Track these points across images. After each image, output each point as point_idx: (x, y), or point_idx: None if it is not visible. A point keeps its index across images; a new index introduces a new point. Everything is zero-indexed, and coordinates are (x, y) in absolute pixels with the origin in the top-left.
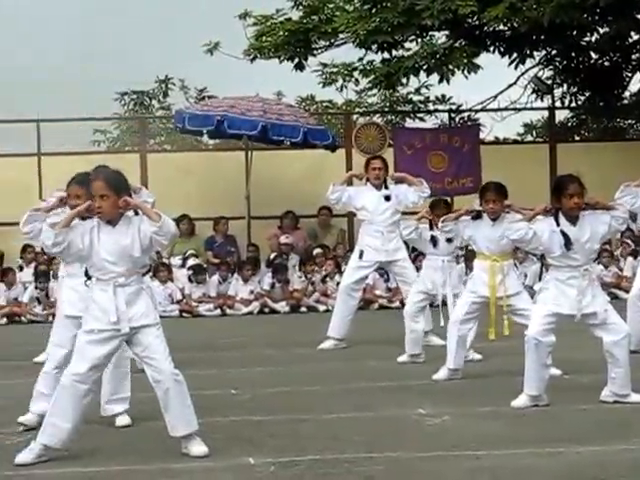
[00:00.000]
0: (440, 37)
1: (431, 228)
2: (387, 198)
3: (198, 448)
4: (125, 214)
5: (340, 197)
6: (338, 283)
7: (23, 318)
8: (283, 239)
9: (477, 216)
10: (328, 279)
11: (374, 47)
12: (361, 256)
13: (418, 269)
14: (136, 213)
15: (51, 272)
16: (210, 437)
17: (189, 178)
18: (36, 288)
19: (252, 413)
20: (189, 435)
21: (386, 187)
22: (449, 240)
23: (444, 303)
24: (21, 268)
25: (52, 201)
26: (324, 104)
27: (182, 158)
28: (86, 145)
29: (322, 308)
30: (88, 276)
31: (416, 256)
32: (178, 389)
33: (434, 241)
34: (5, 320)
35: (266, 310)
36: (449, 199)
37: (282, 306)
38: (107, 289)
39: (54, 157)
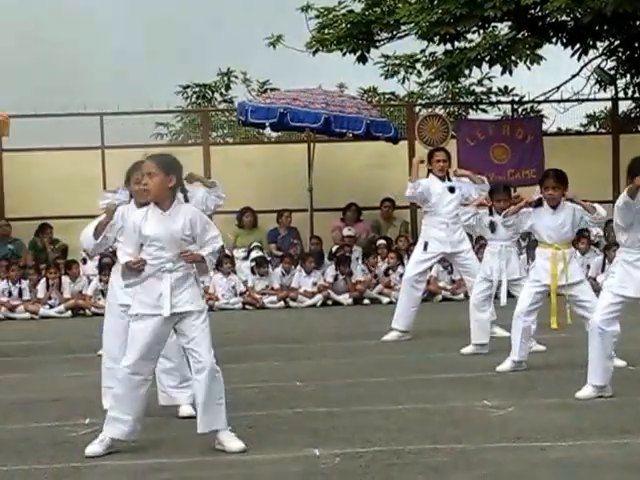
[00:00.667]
0: (503, 28)
1: (490, 214)
2: (451, 190)
3: (235, 444)
4: (177, 199)
5: (415, 192)
6: (401, 275)
7: (87, 311)
8: (346, 231)
9: (538, 204)
10: (391, 271)
11: (436, 39)
12: (426, 248)
13: (480, 261)
14: (186, 200)
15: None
16: (276, 429)
17: (252, 171)
18: (100, 281)
19: (317, 405)
20: (219, 431)
21: (449, 179)
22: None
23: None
24: (85, 261)
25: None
26: (386, 96)
27: (245, 151)
28: (148, 138)
29: (385, 300)
30: None
31: (478, 248)
32: (213, 384)
33: (492, 226)
34: (70, 313)
35: (329, 302)
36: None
37: (345, 298)
38: (154, 274)
39: (117, 150)
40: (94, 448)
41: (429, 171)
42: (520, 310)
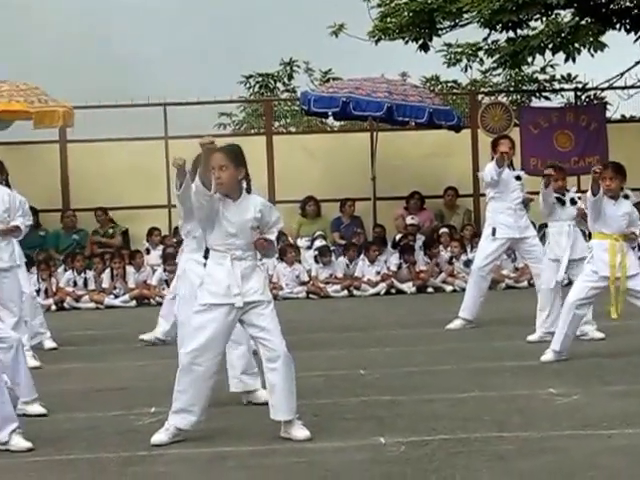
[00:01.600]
0: (566, 15)
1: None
2: (518, 178)
3: (301, 432)
4: (243, 189)
5: (499, 177)
6: (465, 263)
7: (152, 300)
8: (409, 220)
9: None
10: (454, 259)
11: (499, 26)
12: (494, 233)
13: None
14: (248, 192)
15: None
16: (341, 417)
17: (315, 160)
18: (164, 271)
19: (382, 393)
20: (290, 420)
21: (513, 167)
22: (573, 202)
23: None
24: (148, 251)
25: None
26: (449, 84)
27: (307, 140)
28: (211, 128)
29: (449, 289)
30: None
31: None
32: (288, 372)
33: (562, 202)
34: (134, 302)
35: (392, 291)
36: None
37: (408, 287)
38: (224, 262)
39: (181, 140)
40: (160, 437)
41: (494, 159)
42: (572, 301)
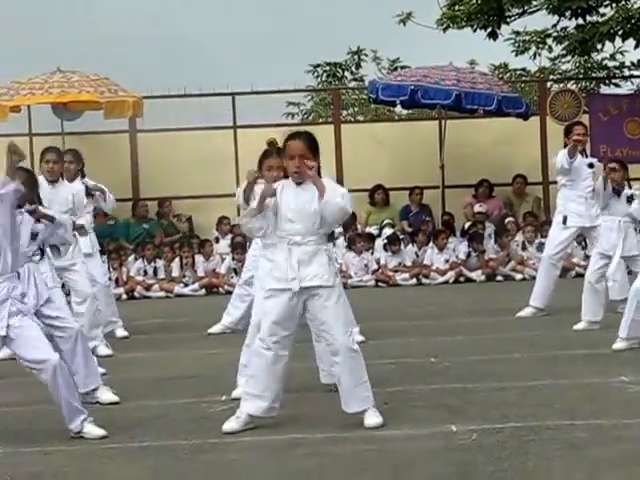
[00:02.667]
0: (636, 1)
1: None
2: (590, 165)
3: (373, 419)
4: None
5: (572, 165)
6: (537, 247)
7: (221, 289)
8: (477, 208)
9: None
10: (527, 244)
11: (568, 13)
12: (565, 222)
13: None
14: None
15: (247, 243)
16: (412, 405)
17: (383, 148)
18: (233, 259)
19: (452, 381)
20: (365, 410)
21: (586, 154)
22: (629, 200)
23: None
24: (217, 240)
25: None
26: (517, 72)
27: (376, 129)
28: (280, 117)
29: (518, 277)
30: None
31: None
32: (352, 364)
33: (617, 192)
34: (204, 291)
35: (461, 279)
36: None
37: (477, 275)
38: (283, 247)
39: (249, 130)
40: (231, 424)
41: (566, 145)
42: (638, 287)
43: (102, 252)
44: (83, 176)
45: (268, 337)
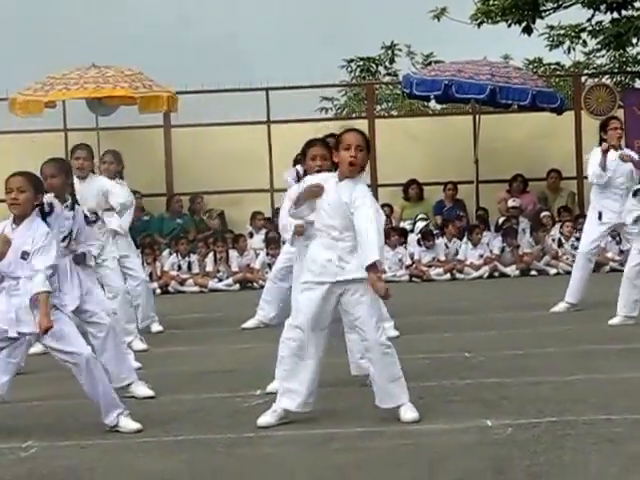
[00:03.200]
0: None
1: None
2: (622, 158)
3: (409, 414)
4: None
5: (603, 180)
6: (573, 245)
7: (255, 284)
8: (511, 203)
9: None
10: (563, 240)
11: (603, 7)
12: (600, 217)
13: None
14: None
15: (281, 239)
16: (446, 399)
17: (417, 143)
18: (267, 254)
19: (487, 376)
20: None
21: (621, 149)
22: None
23: None
24: (251, 235)
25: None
26: (552, 67)
27: (409, 123)
28: (313, 112)
29: (552, 271)
30: None
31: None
32: (385, 361)
33: None
34: (238, 286)
35: (495, 274)
36: None
37: (512, 270)
38: (321, 241)
39: (283, 125)
40: (266, 419)
41: (601, 140)
42: None
43: (136, 247)
44: (121, 178)
45: (303, 331)
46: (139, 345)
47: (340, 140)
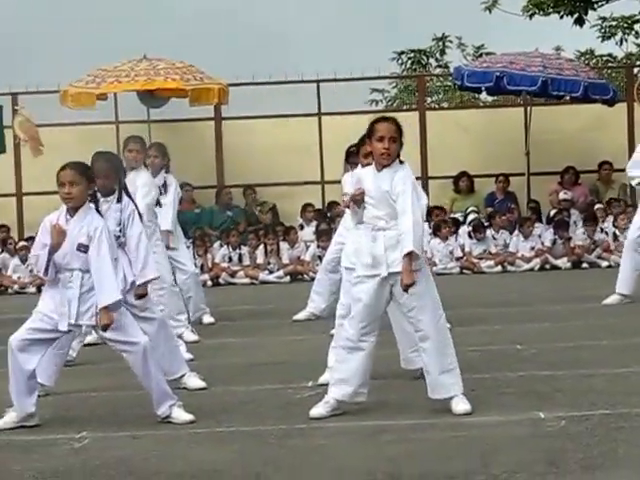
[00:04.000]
0: None
1: None
2: None
3: (461, 406)
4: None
5: None
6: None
7: (305, 276)
8: (562, 195)
9: None
10: (618, 232)
11: None
12: None
13: None
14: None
15: (333, 230)
16: (499, 392)
17: (468, 135)
18: (318, 247)
19: (539, 368)
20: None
21: None
22: None
23: None
24: (302, 227)
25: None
26: (604, 58)
27: (460, 115)
28: (364, 104)
29: (604, 264)
30: None
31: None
32: (441, 351)
33: None
34: (288, 278)
35: (547, 267)
36: None
37: (563, 262)
38: (368, 233)
39: (333, 117)
40: (318, 410)
41: None
42: None
43: (187, 239)
44: (167, 172)
45: (356, 322)
46: (191, 337)
47: (373, 130)
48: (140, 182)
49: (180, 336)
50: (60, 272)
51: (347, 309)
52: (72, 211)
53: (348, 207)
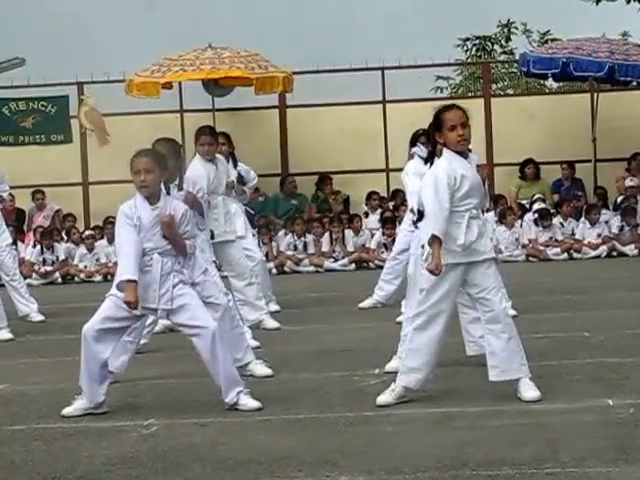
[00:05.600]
0: None
1: None
2: None
3: (530, 393)
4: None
5: None
6: None
7: (371, 264)
8: (628, 182)
9: None
10: None
11: None
12: None
13: None
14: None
15: (398, 218)
16: (567, 379)
17: (533, 122)
18: (383, 234)
19: (607, 355)
20: (518, 380)
21: None
22: None
23: None
24: (367, 215)
25: None
26: None
27: (526, 102)
28: (428, 92)
29: None
30: None
31: None
32: (510, 331)
33: None
34: (354, 266)
35: (614, 254)
36: None
37: (631, 249)
38: (461, 221)
39: (398, 104)
40: (385, 397)
41: None
42: None
43: (253, 227)
44: (235, 162)
45: (435, 312)
46: (271, 323)
47: (441, 120)
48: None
49: (261, 322)
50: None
51: (419, 297)
52: (152, 198)
53: None
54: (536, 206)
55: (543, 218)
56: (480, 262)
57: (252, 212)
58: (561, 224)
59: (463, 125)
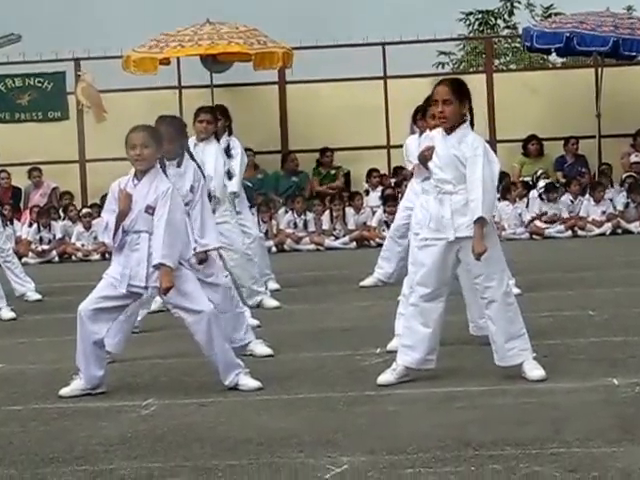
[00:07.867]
0: None
1: None
2: None
3: (535, 372)
4: (463, 126)
5: None
6: None
7: (372, 242)
8: (633, 158)
9: None
10: None
11: None
12: None
13: None
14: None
15: (399, 195)
16: (571, 358)
17: (536, 97)
18: (384, 212)
19: (612, 334)
20: (521, 363)
21: None
22: None
23: None
24: (367, 192)
25: None
26: None
27: (529, 77)
28: (430, 67)
29: None
30: None
31: None
32: (507, 317)
33: None
34: (354, 244)
35: (619, 231)
36: None
37: (636, 227)
38: (437, 197)
39: (399, 80)
40: (386, 377)
41: None
42: None
43: (252, 205)
44: (230, 133)
45: (422, 287)
46: (270, 302)
47: (432, 94)
48: (209, 152)
49: (260, 303)
50: (127, 235)
51: (415, 274)
52: (140, 174)
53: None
54: (542, 182)
55: (549, 191)
56: (467, 243)
57: (250, 186)
58: (571, 201)
59: (445, 102)
